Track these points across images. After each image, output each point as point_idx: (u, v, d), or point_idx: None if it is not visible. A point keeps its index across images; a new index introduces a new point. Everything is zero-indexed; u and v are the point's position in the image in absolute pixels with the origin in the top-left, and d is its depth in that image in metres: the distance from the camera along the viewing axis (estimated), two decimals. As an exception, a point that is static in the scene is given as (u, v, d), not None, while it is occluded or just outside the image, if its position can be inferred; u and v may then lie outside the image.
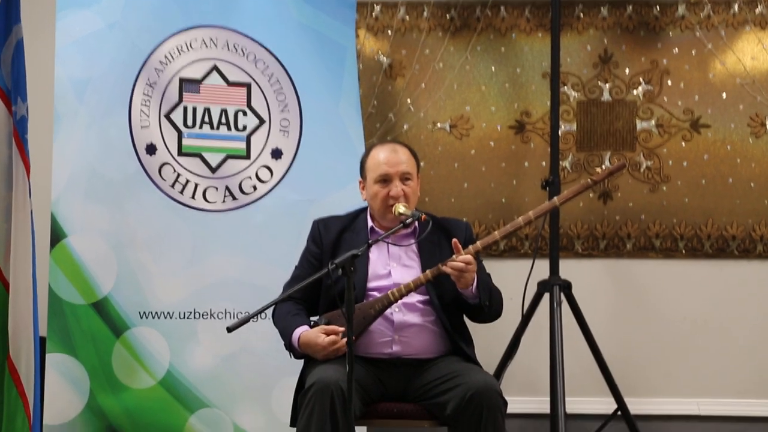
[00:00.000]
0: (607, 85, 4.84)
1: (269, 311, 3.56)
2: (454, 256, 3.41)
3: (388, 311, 3.49)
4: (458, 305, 3.55)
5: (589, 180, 3.62)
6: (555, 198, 3.70)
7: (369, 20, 4.89)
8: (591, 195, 4.78)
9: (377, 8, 4.90)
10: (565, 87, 4.82)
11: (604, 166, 4.78)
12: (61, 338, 4.09)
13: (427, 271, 3.47)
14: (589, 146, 4.83)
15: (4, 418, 3.70)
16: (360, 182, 3.68)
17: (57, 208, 4.13)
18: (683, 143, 4.80)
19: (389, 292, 3.46)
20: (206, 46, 4.32)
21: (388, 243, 3.57)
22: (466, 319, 3.64)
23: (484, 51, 4.88)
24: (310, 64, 4.38)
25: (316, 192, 4.30)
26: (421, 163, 3.87)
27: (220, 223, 4.26)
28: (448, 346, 3.57)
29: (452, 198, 4.84)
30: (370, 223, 3.65)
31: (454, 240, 3.43)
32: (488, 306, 3.51)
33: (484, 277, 3.54)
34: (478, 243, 3.50)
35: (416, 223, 3.55)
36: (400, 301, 3.48)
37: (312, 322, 3.50)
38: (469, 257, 3.40)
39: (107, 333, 4.13)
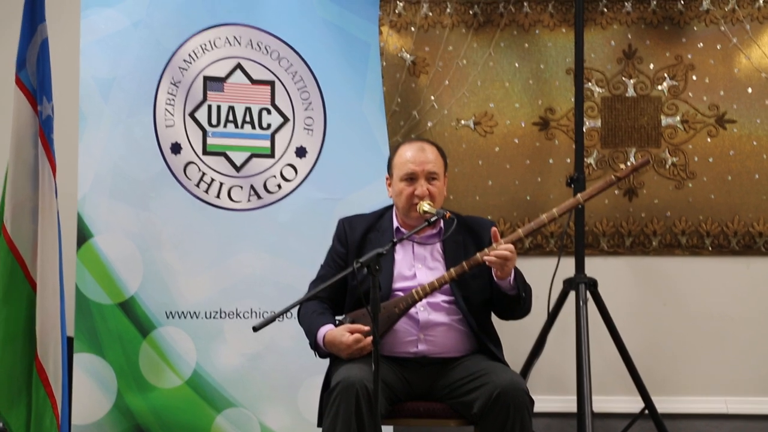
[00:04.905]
0: (632, 80, 4.81)
1: (295, 310, 3.56)
2: (494, 245, 3.39)
3: (413, 310, 3.48)
4: (488, 302, 3.53)
5: (613, 176, 3.61)
6: (579, 195, 3.68)
7: (392, 17, 4.88)
8: (616, 192, 4.76)
9: (400, 5, 4.88)
10: (590, 83, 4.79)
11: (628, 163, 4.73)
12: (89, 338, 4.11)
13: (452, 270, 3.45)
14: (613, 142, 4.80)
15: (33, 418, 3.71)
16: (387, 179, 3.67)
17: (83, 208, 4.15)
18: (709, 139, 4.76)
19: (413, 290, 3.45)
20: (230, 44, 4.32)
21: (413, 242, 3.56)
22: (492, 317, 3.62)
23: (507, 47, 4.86)
24: (333, 62, 4.38)
25: (340, 190, 4.30)
26: (447, 161, 3.86)
27: (246, 222, 4.27)
28: (475, 345, 3.55)
29: (477, 195, 4.82)
30: (395, 223, 3.64)
31: (494, 229, 3.42)
32: (524, 298, 3.49)
33: (518, 269, 3.51)
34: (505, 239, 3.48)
35: (441, 224, 3.54)
36: (424, 300, 3.47)
37: (337, 322, 3.50)
38: (511, 246, 3.37)
39: (134, 333, 4.15)
